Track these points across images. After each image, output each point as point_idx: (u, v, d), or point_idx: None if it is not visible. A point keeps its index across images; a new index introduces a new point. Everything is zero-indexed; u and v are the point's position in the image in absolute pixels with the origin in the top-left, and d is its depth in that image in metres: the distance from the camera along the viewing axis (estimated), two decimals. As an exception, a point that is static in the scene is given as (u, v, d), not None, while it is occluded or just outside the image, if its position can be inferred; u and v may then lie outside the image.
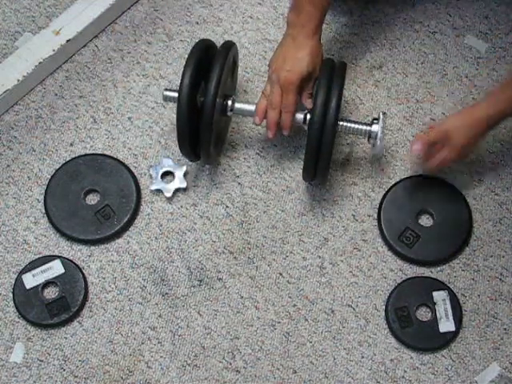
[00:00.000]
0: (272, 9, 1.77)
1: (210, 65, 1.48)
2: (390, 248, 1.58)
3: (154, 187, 1.62)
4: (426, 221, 1.60)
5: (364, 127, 1.52)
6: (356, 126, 1.52)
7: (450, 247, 1.58)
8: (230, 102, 1.54)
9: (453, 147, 1.49)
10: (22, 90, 1.68)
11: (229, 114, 1.55)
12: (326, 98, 1.45)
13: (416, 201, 1.60)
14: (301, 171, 1.55)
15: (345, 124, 1.52)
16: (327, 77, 1.47)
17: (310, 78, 1.51)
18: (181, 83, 1.47)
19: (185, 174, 1.63)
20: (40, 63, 1.67)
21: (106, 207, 1.60)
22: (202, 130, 1.49)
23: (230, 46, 1.52)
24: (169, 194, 1.62)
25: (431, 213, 1.59)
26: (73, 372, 1.52)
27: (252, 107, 1.55)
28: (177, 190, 1.63)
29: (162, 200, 1.63)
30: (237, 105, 1.55)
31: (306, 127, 1.51)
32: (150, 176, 1.63)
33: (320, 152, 1.47)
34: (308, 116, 1.50)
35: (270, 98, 1.50)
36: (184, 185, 1.62)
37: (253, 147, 1.66)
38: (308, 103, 1.51)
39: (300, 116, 1.52)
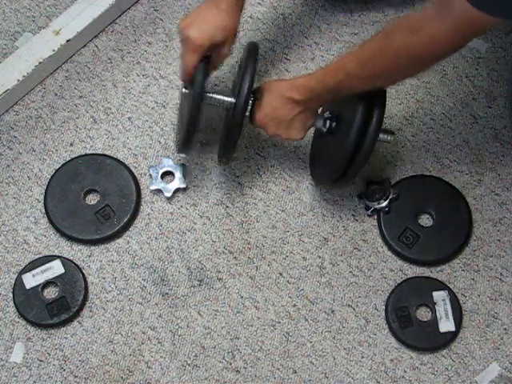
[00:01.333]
0: (272, 9, 1.76)
1: (242, 66, 1.44)
2: (390, 248, 1.58)
3: (153, 187, 1.62)
4: (425, 221, 1.60)
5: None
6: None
7: (450, 247, 1.58)
8: None
9: (260, 105, 1.45)
10: (22, 89, 1.68)
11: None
12: (367, 114, 1.39)
13: (416, 201, 1.60)
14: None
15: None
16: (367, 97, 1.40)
17: (217, 48, 1.44)
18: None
19: (185, 174, 1.63)
20: (40, 63, 1.67)
21: (106, 207, 1.60)
22: (230, 131, 1.45)
23: (256, 47, 1.47)
24: (169, 194, 1.62)
25: (431, 213, 1.59)
26: (73, 372, 1.52)
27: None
28: (177, 190, 1.63)
29: (162, 200, 1.63)
30: None
31: (324, 130, 1.48)
32: (150, 176, 1.63)
33: (355, 159, 1.42)
34: (328, 121, 1.47)
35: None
36: (184, 185, 1.62)
37: (253, 147, 1.66)
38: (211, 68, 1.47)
39: (319, 122, 1.48)
